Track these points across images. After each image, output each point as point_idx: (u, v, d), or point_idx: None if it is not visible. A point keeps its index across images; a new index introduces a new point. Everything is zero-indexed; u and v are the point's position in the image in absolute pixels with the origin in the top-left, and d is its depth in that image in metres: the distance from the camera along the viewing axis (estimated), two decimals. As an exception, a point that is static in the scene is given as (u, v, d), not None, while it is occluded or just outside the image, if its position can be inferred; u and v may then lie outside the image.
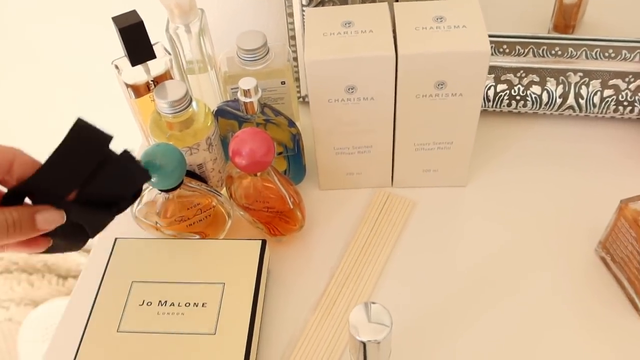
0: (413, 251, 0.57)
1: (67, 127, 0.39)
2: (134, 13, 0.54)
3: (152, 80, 0.58)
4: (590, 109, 0.64)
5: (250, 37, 0.58)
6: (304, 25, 0.62)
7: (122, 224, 0.49)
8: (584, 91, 0.63)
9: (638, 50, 0.61)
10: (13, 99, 0.95)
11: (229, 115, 0.58)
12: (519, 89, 0.64)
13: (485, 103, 0.66)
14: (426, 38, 0.51)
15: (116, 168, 0.42)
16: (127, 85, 0.57)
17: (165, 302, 0.50)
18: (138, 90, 0.58)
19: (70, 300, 0.56)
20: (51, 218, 0.40)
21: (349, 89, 0.53)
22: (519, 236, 0.58)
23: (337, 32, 0.52)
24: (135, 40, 0.54)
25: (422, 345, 0.51)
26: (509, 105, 0.66)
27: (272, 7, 0.70)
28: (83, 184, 0.41)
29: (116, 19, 0.53)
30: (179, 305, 0.50)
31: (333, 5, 0.59)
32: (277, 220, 0.56)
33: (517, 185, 0.62)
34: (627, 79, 0.62)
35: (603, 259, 0.55)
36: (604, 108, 0.64)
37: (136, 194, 0.47)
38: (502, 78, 0.64)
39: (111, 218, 0.45)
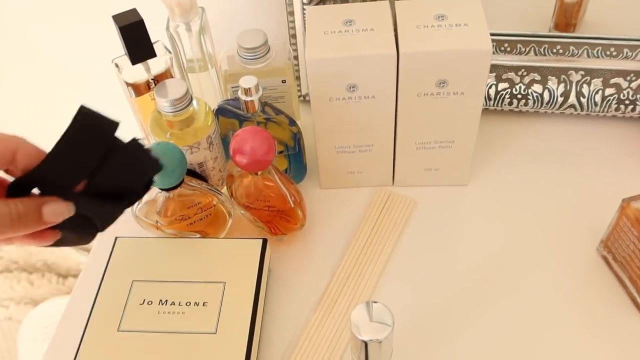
0: (414, 250, 0.57)
1: (63, 127, 0.38)
2: (134, 11, 0.54)
3: (152, 79, 0.58)
4: (591, 107, 0.64)
5: (250, 35, 0.58)
6: (304, 24, 0.62)
7: (123, 222, 0.49)
8: (585, 90, 0.63)
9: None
10: (13, 98, 0.95)
11: (230, 113, 0.58)
12: (520, 87, 0.64)
13: (486, 102, 0.65)
14: (427, 36, 0.51)
15: (124, 157, 0.40)
16: (128, 84, 0.57)
17: (166, 301, 0.50)
18: (138, 89, 0.58)
19: (70, 299, 0.56)
20: (59, 210, 0.38)
21: (350, 88, 0.53)
22: (520, 235, 0.58)
23: (338, 31, 0.52)
24: (136, 38, 0.54)
25: (423, 344, 0.51)
26: (510, 104, 0.65)
27: (273, 5, 0.70)
28: (91, 175, 0.40)
29: (116, 17, 0.53)
30: (179, 305, 0.50)
31: (334, 3, 0.59)
32: (278, 219, 0.56)
33: (519, 184, 0.62)
34: (628, 78, 0.62)
35: (605, 258, 0.55)
36: (605, 107, 0.64)
37: (147, 185, 0.45)
38: (504, 77, 0.64)
39: (121, 211, 0.43)
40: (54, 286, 1.07)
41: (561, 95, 0.64)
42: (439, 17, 0.52)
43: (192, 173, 0.56)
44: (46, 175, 0.38)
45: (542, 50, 0.63)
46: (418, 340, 0.51)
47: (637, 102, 0.63)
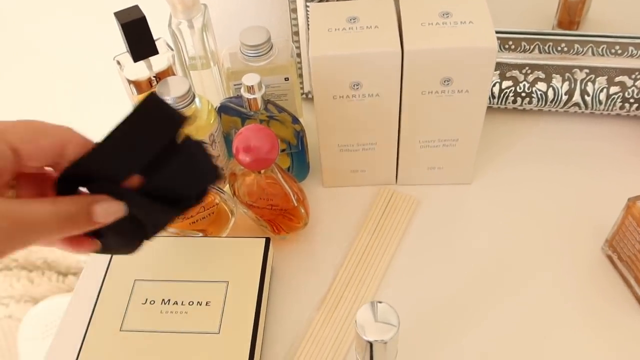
0: (417, 249, 0.57)
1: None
2: (136, 8, 0.53)
3: (154, 77, 0.57)
4: (596, 106, 0.64)
5: (253, 32, 0.58)
6: (307, 21, 0.61)
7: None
8: (590, 88, 0.63)
9: (645, 47, 0.61)
10: (14, 95, 0.94)
11: (232, 111, 0.58)
12: (524, 85, 0.64)
13: (490, 100, 0.65)
14: (432, 34, 0.50)
15: (185, 158, 0.36)
16: (129, 82, 0.57)
17: (169, 300, 0.50)
18: (140, 87, 0.57)
19: (72, 298, 0.56)
20: (111, 209, 0.34)
21: (354, 86, 0.52)
22: (524, 234, 0.57)
23: (342, 28, 0.52)
24: (138, 35, 0.54)
25: (427, 343, 0.51)
26: (514, 102, 0.65)
27: (275, 2, 0.69)
28: (147, 173, 0.36)
29: (118, 14, 0.53)
30: (182, 304, 0.50)
31: (337, 0, 0.59)
32: (281, 218, 0.56)
33: (522, 183, 0.61)
34: (633, 76, 0.62)
35: (610, 258, 0.55)
36: (610, 105, 0.63)
37: (200, 195, 0.40)
38: (508, 75, 0.64)
39: (173, 217, 0.39)
40: (54, 284, 1.07)
41: (565, 94, 0.63)
42: (443, 15, 0.51)
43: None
44: (98, 163, 0.34)
45: (546, 48, 0.62)
46: (422, 339, 0.51)
47: (642, 101, 0.63)
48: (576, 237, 0.57)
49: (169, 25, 0.57)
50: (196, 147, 0.37)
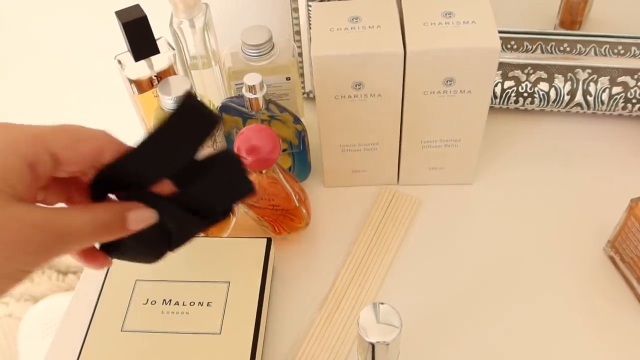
0: (419, 249, 0.57)
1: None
2: (137, 7, 0.53)
3: (155, 76, 0.57)
4: (598, 106, 0.63)
5: (255, 32, 0.57)
6: (309, 20, 0.61)
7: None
8: (592, 88, 0.63)
9: (648, 47, 0.60)
10: (15, 94, 0.94)
11: (233, 111, 0.57)
12: (526, 85, 0.64)
13: (492, 100, 0.65)
14: (435, 34, 0.50)
15: (224, 172, 0.36)
16: (130, 81, 0.57)
17: (170, 301, 0.50)
18: (141, 86, 0.57)
19: (72, 298, 0.56)
20: (144, 216, 0.34)
21: (356, 86, 0.52)
22: (526, 235, 0.57)
23: (344, 28, 0.52)
24: (139, 35, 0.53)
25: (428, 343, 0.50)
26: (516, 102, 0.65)
27: (277, 2, 0.69)
28: (182, 181, 0.35)
29: (119, 13, 0.53)
30: (183, 305, 0.49)
31: (340, 0, 0.58)
32: (282, 218, 0.56)
33: (524, 184, 0.61)
34: (636, 76, 0.61)
35: (612, 259, 0.54)
36: (612, 105, 0.63)
37: (227, 210, 0.39)
38: (510, 74, 0.64)
39: (201, 229, 0.38)
40: (53, 283, 1.07)
41: (568, 94, 0.63)
42: (446, 15, 0.51)
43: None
44: (134, 167, 0.33)
45: (549, 48, 0.62)
46: (423, 339, 0.51)
47: (644, 101, 0.63)
48: (578, 238, 0.56)
49: (170, 24, 0.57)
50: (234, 162, 0.36)
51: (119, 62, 0.57)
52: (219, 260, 0.52)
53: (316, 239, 0.58)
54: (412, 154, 0.59)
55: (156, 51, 0.55)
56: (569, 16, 0.64)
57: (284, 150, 0.59)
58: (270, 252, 0.53)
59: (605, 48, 0.61)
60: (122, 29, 0.53)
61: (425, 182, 0.61)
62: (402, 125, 0.56)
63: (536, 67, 0.63)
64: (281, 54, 0.59)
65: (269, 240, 0.54)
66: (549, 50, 0.62)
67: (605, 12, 0.63)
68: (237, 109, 0.57)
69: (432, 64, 0.50)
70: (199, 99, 0.34)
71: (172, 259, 0.53)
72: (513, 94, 0.64)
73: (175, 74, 0.58)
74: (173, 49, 0.58)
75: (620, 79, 0.62)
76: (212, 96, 0.61)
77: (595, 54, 0.62)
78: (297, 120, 0.57)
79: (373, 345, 0.37)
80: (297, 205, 0.54)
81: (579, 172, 0.62)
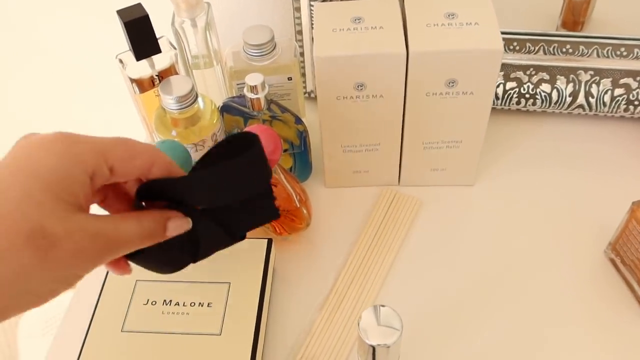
0: (420, 251, 0.57)
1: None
2: (139, 6, 0.53)
3: (156, 75, 0.57)
4: (600, 108, 0.63)
5: (257, 31, 0.57)
6: (311, 20, 0.61)
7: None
8: (594, 90, 0.63)
9: (650, 49, 0.60)
10: (17, 94, 0.94)
11: (235, 111, 0.57)
12: (528, 87, 0.64)
13: (494, 101, 0.65)
14: (437, 35, 0.50)
15: (260, 200, 0.38)
16: (132, 80, 0.57)
17: (170, 301, 0.50)
18: (142, 85, 0.57)
19: (73, 298, 0.56)
20: (182, 224, 0.36)
21: (358, 86, 0.52)
22: (527, 236, 0.57)
23: (347, 28, 0.51)
24: (140, 34, 0.53)
25: (428, 345, 0.50)
26: (518, 103, 0.65)
27: (279, 1, 0.69)
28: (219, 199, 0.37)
29: (121, 12, 0.52)
30: (183, 305, 0.49)
31: (342, 0, 0.58)
32: (283, 219, 0.55)
33: (525, 185, 0.61)
34: (638, 78, 0.61)
35: (612, 261, 0.54)
36: (614, 107, 0.63)
37: (247, 231, 0.41)
38: (512, 76, 0.63)
39: (226, 245, 0.40)
40: (54, 281, 1.06)
41: (570, 95, 0.63)
42: (449, 16, 0.51)
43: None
44: (184, 190, 0.36)
45: (551, 49, 0.62)
46: (423, 340, 0.51)
47: (647, 103, 0.62)
48: (579, 240, 0.56)
49: (172, 23, 0.57)
50: (266, 188, 0.38)
51: (121, 61, 0.57)
52: (219, 261, 0.52)
53: (317, 240, 0.58)
54: (414, 155, 0.58)
55: (158, 50, 0.55)
56: (571, 17, 0.63)
57: (285, 151, 0.58)
58: (271, 253, 0.53)
59: (608, 50, 0.61)
60: (123, 28, 0.52)
61: (426, 183, 0.61)
62: (403, 126, 0.56)
63: (538, 69, 0.63)
64: (283, 53, 0.59)
65: (270, 241, 0.54)
66: (551, 52, 0.62)
67: (608, 12, 0.63)
68: (238, 109, 0.57)
69: (435, 65, 0.50)
70: (263, 151, 0.36)
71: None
72: (515, 95, 0.64)
73: (176, 73, 0.58)
74: (175, 48, 0.58)
75: (622, 81, 0.62)
76: (214, 96, 0.61)
77: (598, 55, 0.61)
78: (298, 120, 0.57)
79: (374, 348, 0.37)
80: (298, 205, 0.54)
81: (580, 173, 0.62)
